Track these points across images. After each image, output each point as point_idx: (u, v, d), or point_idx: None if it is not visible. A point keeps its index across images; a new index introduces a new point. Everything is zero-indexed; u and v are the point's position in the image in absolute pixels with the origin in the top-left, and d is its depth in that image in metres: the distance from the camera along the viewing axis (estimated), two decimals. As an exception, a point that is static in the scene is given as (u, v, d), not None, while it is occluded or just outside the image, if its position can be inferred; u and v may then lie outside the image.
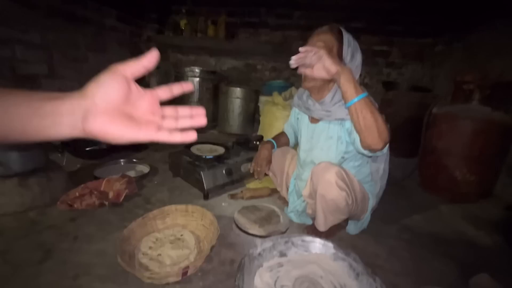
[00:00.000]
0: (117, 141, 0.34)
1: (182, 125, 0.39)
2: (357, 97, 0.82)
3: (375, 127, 0.82)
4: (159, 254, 0.91)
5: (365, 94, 0.83)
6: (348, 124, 0.97)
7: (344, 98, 0.86)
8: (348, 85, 0.83)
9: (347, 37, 0.97)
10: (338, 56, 0.96)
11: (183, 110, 0.39)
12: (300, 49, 0.85)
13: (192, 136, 0.37)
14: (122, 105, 0.34)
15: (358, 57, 1.00)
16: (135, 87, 0.36)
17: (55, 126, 0.31)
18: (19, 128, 0.30)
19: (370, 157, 1.00)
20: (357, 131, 0.87)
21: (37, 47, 1.79)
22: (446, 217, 1.42)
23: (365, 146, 0.87)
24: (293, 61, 0.86)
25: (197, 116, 0.40)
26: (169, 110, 0.39)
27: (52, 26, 1.86)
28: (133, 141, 0.35)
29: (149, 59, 0.35)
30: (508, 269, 1.02)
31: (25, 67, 1.73)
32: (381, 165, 1.10)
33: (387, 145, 0.90)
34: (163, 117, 0.38)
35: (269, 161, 1.31)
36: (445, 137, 1.58)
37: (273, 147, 1.32)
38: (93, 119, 0.32)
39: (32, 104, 0.30)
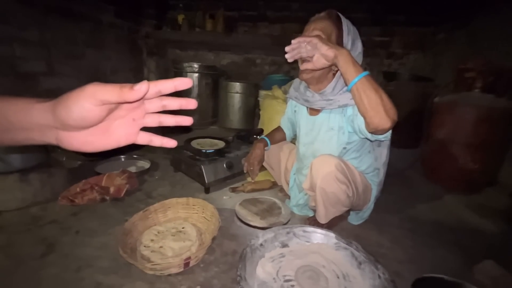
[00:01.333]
0: (92, 151, 0.35)
1: (165, 122, 0.38)
2: (358, 77, 0.79)
3: (380, 105, 0.78)
4: (161, 246, 0.91)
5: (366, 72, 0.80)
6: (350, 111, 0.95)
7: (345, 80, 0.83)
8: (347, 66, 0.80)
9: (346, 23, 0.94)
10: (338, 44, 0.92)
11: (171, 103, 0.37)
12: (292, 41, 0.84)
13: (171, 144, 0.39)
14: (99, 123, 0.33)
15: (359, 45, 0.97)
16: (113, 105, 0.32)
17: (33, 135, 0.32)
18: (9, 136, 0.32)
19: (374, 141, 0.97)
20: (362, 113, 0.82)
21: (36, 44, 1.78)
22: (450, 206, 1.41)
23: (372, 128, 0.83)
24: (288, 54, 0.86)
25: (182, 119, 0.39)
26: (154, 104, 0.37)
27: (49, 23, 1.85)
28: (112, 148, 0.36)
29: (135, 93, 0.30)
30: (512, 256, 1.01)
31: (24, 65, 1.72)
32: (384, 151, 1.09)
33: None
34: (145, 116, 0.38)
35: (262, 160, 1.29)
36: (448, 126, 1.56)
37: (266, 145, 1.30)
38: (65, 140, 0.32)
39: (19, 115, 0.31)
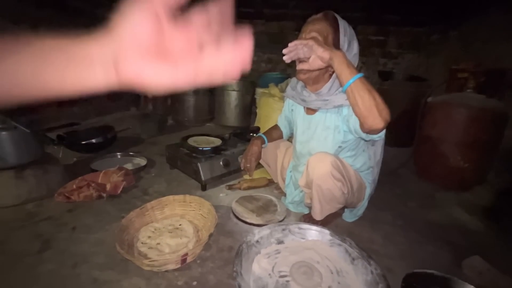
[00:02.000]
0: (157, 87, 0.28)
1: (226, 53, 0.28)
2: (352, 78, 0.81)
3: (374, 106, 0.80)
4: (158, 243, 0.92)
5: (360, 74, 0.82)
6: (345, 111, 0.97)
7: (340, 81, 0.85)
8: (342, 68, 0.82)
9: (342, 24, 0.95)
10: (335, 45, 0.94)
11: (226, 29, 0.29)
12: (289, 44, 0.86)
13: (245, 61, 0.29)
14: (155, 42, 0.27)
15: (355, 46, 0.99)
16: (167, 20, 0.27)
17: (89, 74, 0.27)
18: (57, 77, 0.27)
19: (368, 140, 1.00)
20: (357, 114, 0.85)
21: (28, 39, 1.75)
22: (441, 204, 1.44)
23: (366, 128, 0.85)
24: (286, 56, 0.88)
25: (242, 39, 0.29)
26: (208, 35, 0.29)
27: (43, 18, 1.82)
28: (173, 85, 0.28)
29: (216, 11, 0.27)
30: (498, 252, 1.05)
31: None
32: (378, 149, 1.11)
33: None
34: (202, 47, 0.28)
35: (258, 157, 1.30)
36: (440, 125, 1.59)
37: (263, 142, 1.31)
38: (124, 63, 0.27)
39: (65, 48, 0.26)
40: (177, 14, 0.28)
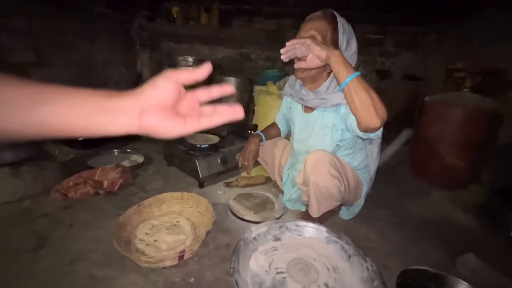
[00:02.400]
0: (168, 135, 0.38)
1: (219, 120, 0.41)
2: (349, 77, 0.81)
3: (371, 105, 0.80)
4: (156, 240, 0.92)
5: (357, 73, 0.82)
6: (343, 109, 0.97)
7: (337, 80, 0.86)
8: (339, 67, 0.82)
9: (341, 22, 0.96)
10: (333, 44, 0.94)
11: (221, 108, 0.41)
12: (287, 43, 0.87)
13: (238, 114, 0.40)
14: (173, 105, 0.38)
15: (354, 44, 0.99)
16: (182, 91, 0.39)
17: (115, 122, 0.34)
18: (84, 123, 0.33)
19: (365, 139, 1.00)
20: (354, 113, 0.85)
21: (23, 33, 1.73)
22: (436, 202, 1.46)
23: (363, 127, 0.86)
24: (284, 55, 0.89)
25: (235, 111, 0.41)
26: (207, 108, 0.42)
27: (38, 11, 1.79)
28: (181, 135, 0.38)
29: (203, 72, 0.38)
30: (492, 249, 1.07)
31: (12, 55, 1.67)
32: (375, 148, 1.12)
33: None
34: (201, 114, 0.41)
35: (256, 155, 1.31)
36: (436, 125, 1.61)
37: (261, 140, 1.31)
38: (148, 116, 0.35)
39: (97, 101, 0.34)
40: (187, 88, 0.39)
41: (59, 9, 1.95)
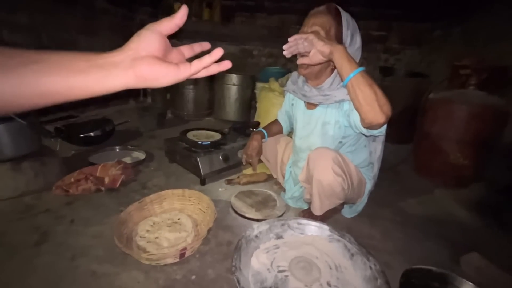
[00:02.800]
0: (164, 81, 0.38)
1: (209, 72, 0.44)
2: (352, 73, 0.79)
3: (375, 101, 0.78)
4: (157, 237, 0.92)
5: (361, 68, 0.81)
6: (346, 105, 0.96)
7: (340, 76, 0.84)
8: (342, 62, 0.80)
9: (345, 17, 0.94)
10: (337, 39, 0.93)
11: (206, 59, 0.42)
12: (289, 39, 0.85)
13: (226, 65, 0.44)
14: (162, 55, 0.39)
15: (358, 39, 0.97)
16: (168, 43, 0.40)
17: (110, 76, 0.34)
18: (79, 82, 0.33)
19: (369, 136, 0.99)
20: (357, 109, 0.83)
21: (25, 29, 1.72)
22: (439, 200, 1.45)
23: (366, 123, 0.84)
24: (286, 51, 0.87)
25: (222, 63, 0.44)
26: (194, 62, 0.42)
27: (40, 7, 1.78)
28: (177, 80, 0.39)
29: (180, 17, 0.39)
30: (496, 248, 1.05)
31: (13, 50, 1.67)
32: (379, 145, 1.10)
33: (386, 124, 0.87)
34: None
35: (259, 152, 1.29)
36: (440, 122, 1.59)
37: (263, 137, 1.30)
38: (141, 64, 0.36)
39: (88, 59, 0.33)
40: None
41: (61, 5, 1.94)
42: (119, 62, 0.35)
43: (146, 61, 0.36)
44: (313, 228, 0.95)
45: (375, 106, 0.79)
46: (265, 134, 1.30)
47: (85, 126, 1.73)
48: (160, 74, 0.37)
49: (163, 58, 0.39)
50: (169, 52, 0.41)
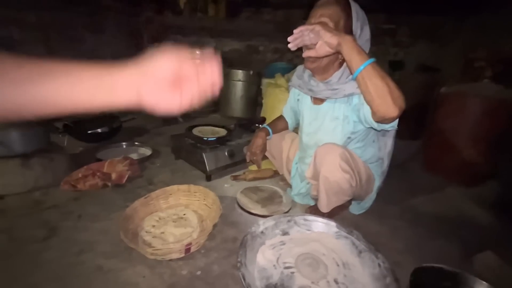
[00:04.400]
0: (162, 111, 0.38)
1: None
2: (363, 64, 0.76)
3: (387, 93, 0.75)
4: (162, 232, 0.92)
5: (372, 60, 0.77)
6: (355, 100, 0.93)
7: (349, 68, 0.81)
8: (351, 53, 0.77)
9: (355, 8, 0.90)
10: (346, 31, 0.88)
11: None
12: (295, 30, 0.82)
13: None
14: (171, 81, 0.37)
15: (367, 31, 0.94)
16: (182, 65, 0.38)
17: (116, 97, 0.35)
18: (84, 99, 0.34)
19: (379, 131, 0.95)
20: (368, 102, 0.80)
21: (33, 27, 1.74)
22: (451, 198, 1.40)
23: (379, 117, 0.80)
24: (292, 43, 0.84)
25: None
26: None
27: (47, 5, 1.80)
28: (177, 111, 0.39)
29: (206, 58, 0.39)
30: (511, 248, 1.01)
31: (22, 48, 1.70)
32: (389, 140, 1.07)
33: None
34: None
35: (263, 150, 1.27)
36: (453, 117, 1.53)
37: (268, 134, 1.28)
38: (145, 93, 0.36)
39: (95, 77, 0.34)
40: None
41: (68, 3, 1.95)
42: (125, 86, 0.35)
43: (150, 92, 0.36)
44: (320, 224, 0.93)
45: (387, 99, 0.75)
46: (270, 131, 1.28)
47: (93, 123, 1.74)
48: (161, 106, 0.37)
49: (171, 83, 0.37)
50: (182, 69, 0.38)
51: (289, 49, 0.87)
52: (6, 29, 1.60)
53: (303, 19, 0.93)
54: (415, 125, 1.98)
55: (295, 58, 2.85)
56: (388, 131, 0.99)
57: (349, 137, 1.01)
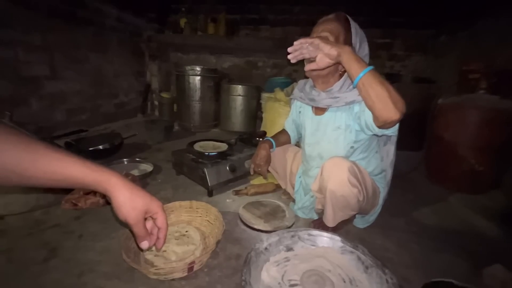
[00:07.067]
0: (124, 215, 0.55)
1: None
2: (362, 72, 0.79)
3: (388, 97, 0.77)
4: (165, 251, 0.90)
5: (370, 67, 0.80)
6: (356, 107, 0.94)
7: (350, 76, 0.84)
8: (351, 62, 0.80)
9: (354, 25, 0.95)
10: (346, 44, 0.93)
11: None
12: (295, 42, 0.85)
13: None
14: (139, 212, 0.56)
15: (366, 47, 0.99)
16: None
17: (81, 185, 0.50)
18: (66, 184, 0.48)
19: (381, 136, 0.96)
20: (370, 107, 0.82)
21: (38, 48, 1.79)
22: (455, 209, 1.39)
23: (381, 122, 0.82)
24: (291, 55, 0.87)
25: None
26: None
27: (52, 26, 1.86)
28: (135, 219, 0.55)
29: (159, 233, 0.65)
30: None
31: (27, 69, 1.73)
32: (391, 148, 1.08)
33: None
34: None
35: (268, 161, 1.26)
36: (452, 128, 1.55)
37: (271, 146, 1.28)
38: (111, 197, 0.53)
39: (79, 176, 0.47)
40: None
41: (72, 24, 2.02)
42: (93, 185, 0.49)
43: (117, 198, 0.52)
44: (325, 239, 0.92)
45: (388, 103, 0.78)
46: (273, 143, 1.29)
47: (94, 140, 1.76)
48: (123, 210, 0.54)
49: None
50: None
51: (287, 64, 0.90)
52: (11, 50, 1.64)
53: (300, 35, 0.96)
54: (416, 135, 1.99)
55: (294, 73, 2.91)
56: (390, 138, 1.00)
57: (352, 147, 1.01)
